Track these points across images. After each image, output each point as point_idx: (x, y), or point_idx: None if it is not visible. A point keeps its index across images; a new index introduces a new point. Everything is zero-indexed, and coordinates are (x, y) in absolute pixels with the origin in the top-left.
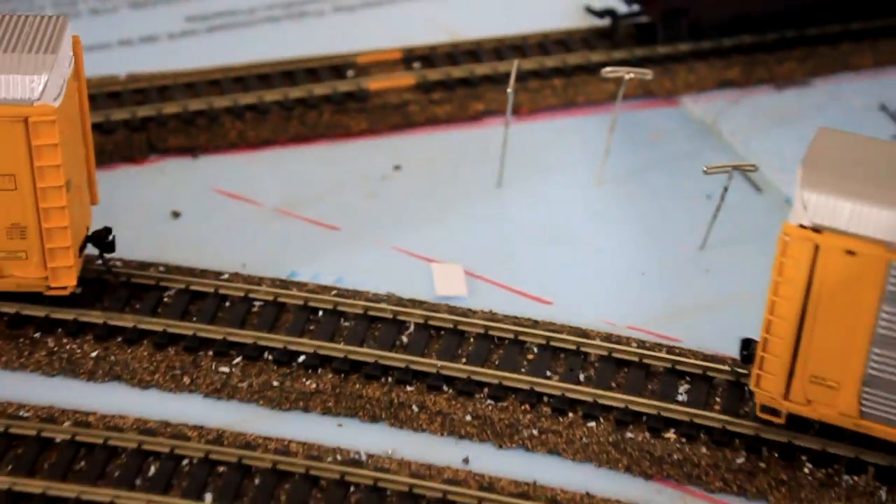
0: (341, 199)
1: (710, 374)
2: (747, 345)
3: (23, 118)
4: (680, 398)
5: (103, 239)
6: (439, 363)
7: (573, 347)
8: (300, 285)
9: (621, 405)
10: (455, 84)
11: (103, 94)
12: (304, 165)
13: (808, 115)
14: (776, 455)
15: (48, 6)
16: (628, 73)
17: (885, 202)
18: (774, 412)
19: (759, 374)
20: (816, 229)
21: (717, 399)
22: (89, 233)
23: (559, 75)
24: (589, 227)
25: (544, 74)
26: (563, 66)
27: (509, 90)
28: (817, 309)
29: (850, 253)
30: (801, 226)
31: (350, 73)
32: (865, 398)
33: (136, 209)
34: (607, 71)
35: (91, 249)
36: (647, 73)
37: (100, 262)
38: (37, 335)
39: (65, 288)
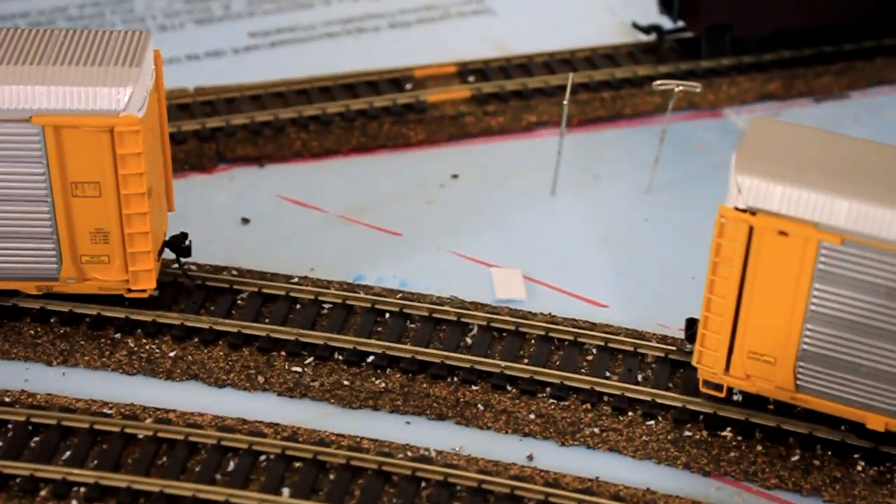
0: (402, 206)
1: None
2: (691, 324)
3: (109, 128)
4: (735, 398)
5: (180, 244)
6: (503, 363)
7: (630, 349)
8: (366, 288)
9: (679, 404)
10: (508, 96)
11: (174, 106)
12: (366, 174)
13: (845, 127)
14: (830, 453)
15: (118, 23)
16: (678, 86)
17: (814, 185)
18: (717, 387)
19: (701, 351)
20: (751, 211)
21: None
22: (166, 238)
23: (607, 88)
24: (641, 233)
25: (593, 87)
26: (612, 80)
27: (564, 102)
28: (753, 287)
29: (783, 234)
30: (737, 208)
31: (408, 86)
32: (800, 372)
33: (207, 215)
34: (658, 84)
35: (167, 254)
36: (696, 86)
37: (176, 265)
38: (117, 336)
39: (144, 291)
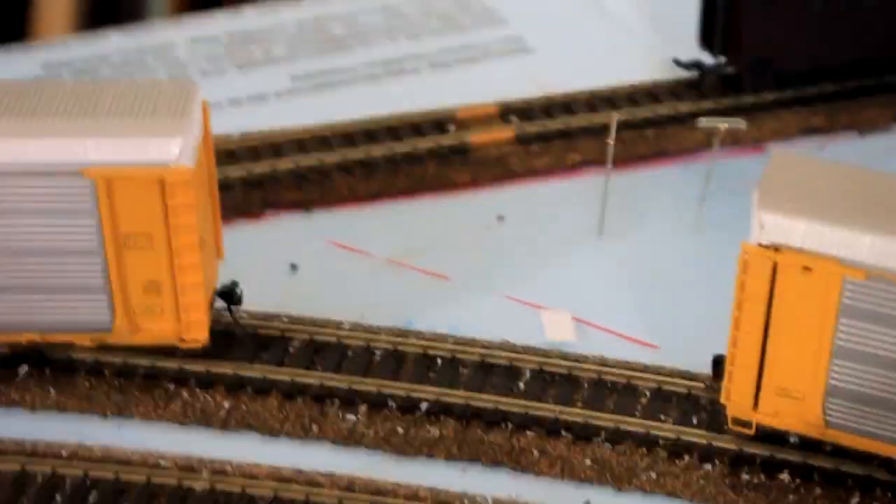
0: (449, 249)
1: None
2: (718, 361)
3: (160, 179)
4: (791, 441)
5: (231, 292)
6: (556, 408)
7: (684, 391)
8: (417, 334)
9: (735, 447)
10: (552, 136)
11: (220, 153)
12: (413, 217)
13: (890, 160)
14: (890, 495)
15: (161, 69)
16: (723, 124)
17: (837, 220)
18: (746, 424)
19: (729, 388)
20: (774, 248)
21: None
22: (217, 287)
23: (650, 125)
24: (690, 272)
25: (636, 125)
26: (654, 117)
27: (609, 143)
28: (779, 323)
29: (807, 269)
30: (760, 245)
31: (451, 127)
32: (830, 408)
33: (256, 263)
34: (703, 122)
35: (219, 302)
36: (741, 123)
37: (227, 314)
38: (171, 387)
39: (197, 341)
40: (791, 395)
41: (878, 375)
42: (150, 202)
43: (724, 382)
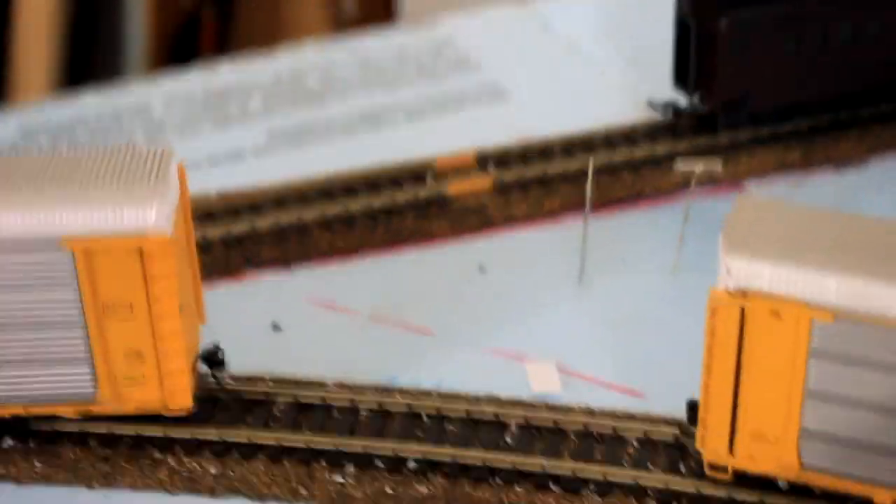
0: (431, 302)
1: None
2: (693, 406)
3: (138, 248)
4: (781, 486)
5: (214, 357)
6: (545, 462)
7: (671, 439)
8: (402, 391)
9: (724, 495)
10: (529, 183)
11: (198, 213)
12: (393, 271)
13: (866, 194)
14: None
15: (138, 131)
16: (699, 167)
17: (803, 263)
18: (722, 469)
19: (703, 434)
20: (742, 293)
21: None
22: (200, 351)
23: (627, 168)
24: (671, 315)
25: (613, 168)
26: (631, 160)
27: (587, 189)
28: (750, 367)
29: (775, 313)
30: (727, 290)
31: (429, 178)
32: (805, 450)
33: (238, 323)
34: (680, 166)
35: (202, 366)
36: (718, 165)
37: (211, 378)
38: (157, 454)
39: (182, 408)
40: (766, 439)
41: (851, 416)
42: (129, 271)
43: (699, 428)
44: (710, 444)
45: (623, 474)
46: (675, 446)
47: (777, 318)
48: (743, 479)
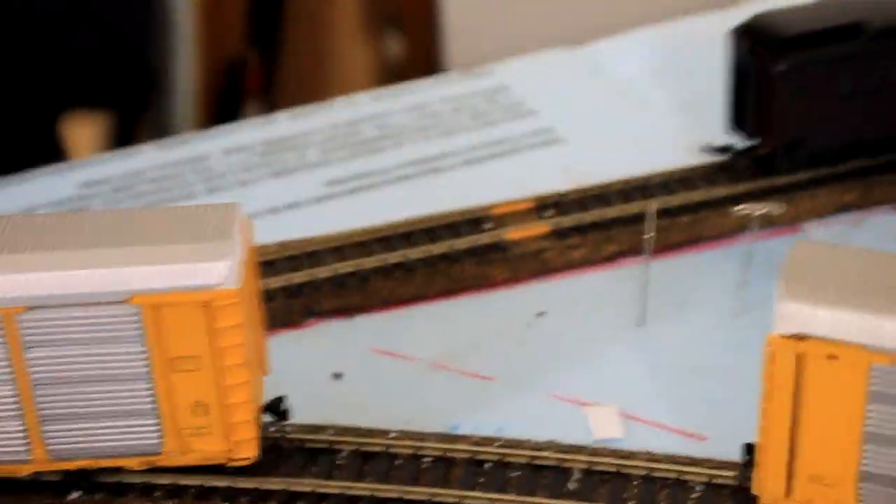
0: (492, 348)
1: None
2: (749, 450)
3: (207, 303)
4: None
5: (277, 407)
6: None
7: (735, 483)
8: (465, 438)
9: None
10: (588, 229)
11: (259, 264)
12: (453, 318)
13: None
14: None
15: (198, 182)
16: (761, 210)
17: (860, 307)
18: None
19: (760, 477)
20: (798, 337)
21: None
22: (264, 402)
23: (685, 212)
24: (733, 359)
25: (671, 212)
26: (689, 203)
27: (648, 235)
28: (808, 411)
29: (832, 357)
30: (784, 335)
31: (487, 224)
32: (862, 493)
33: (299, 373)
34: (739, 209)
35: (266, 417)
36: (778, 209)
37: (274, 429)
38: None
39: (247, 459)
40: (823, 482)
41: None
42: (197, 325)
43: (756, 471)
44: (768, 487)
45: None
46: (739, 490)
47: (834, 362)
48: None
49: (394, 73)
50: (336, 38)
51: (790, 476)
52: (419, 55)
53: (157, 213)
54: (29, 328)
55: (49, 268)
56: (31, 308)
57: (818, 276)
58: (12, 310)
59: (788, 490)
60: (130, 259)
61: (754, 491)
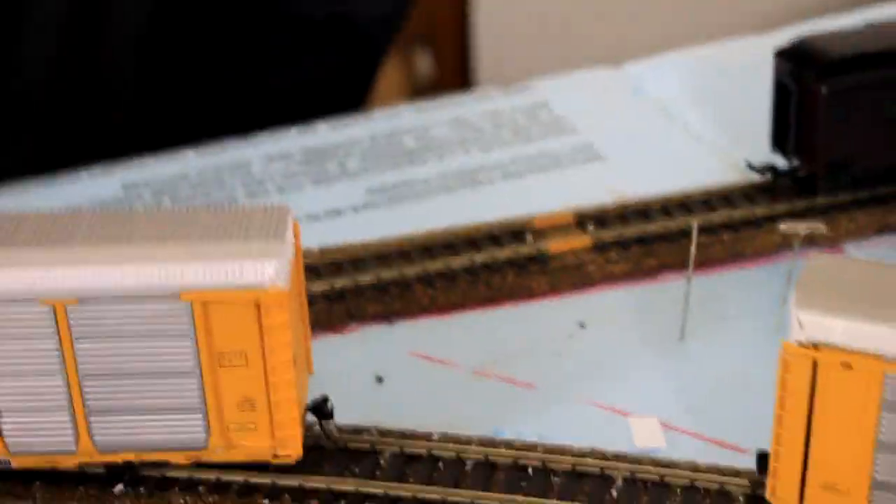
0: (532, 357)
1: None
2: (763, 457)
3: (256, 301)
4: None
5: (322, 407)
6: None
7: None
8: (507, 443)
9: None
10: (629, 243)
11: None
12: (494, 327)
13: None
14: None
15: (238, 186)
16: (803, 229)
17: (874, 316)
18: None
19: (774, 484)
20: (813, 346)
21: None
22: (308, 402)
23: (726, 230)
24: (772, 374)
25: (712, 229)
26: (730, 221)
27: (691, 249)
28: (822, 419)
29: (847, 366)
30: (799, 343)
31: (528, 236)
32: (875, 502)
33: (341, 375)
34: (784, 227)
35: (310, 417)
36: (821, 228)
37: (318, 429)
38: (265, 502)
39: (291, 456)
40: (837, 490)
41: None
42: (245, 322)
43: (769, 479)
44: (781, 495)
45: None
46: (752, 498)
47: (849, 371)
48: None
49: (425, 90)
50: None
51: (803, 484)
52: (449, 73)
53: (208, 212)
54: (79, 321)
55: (101, 262)
56: (82, 301)
57: (833, 286)
58: (64, 302)
59: (801, 498)
60: (182, 256)
61: (767, 498)
